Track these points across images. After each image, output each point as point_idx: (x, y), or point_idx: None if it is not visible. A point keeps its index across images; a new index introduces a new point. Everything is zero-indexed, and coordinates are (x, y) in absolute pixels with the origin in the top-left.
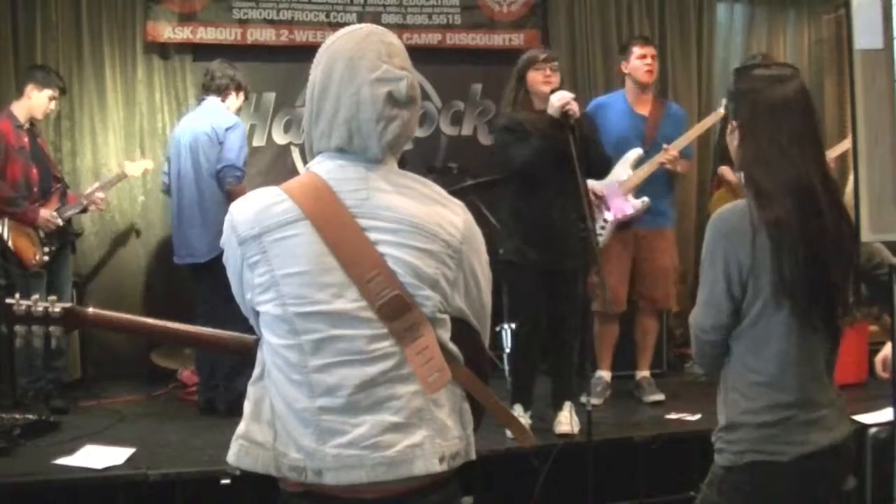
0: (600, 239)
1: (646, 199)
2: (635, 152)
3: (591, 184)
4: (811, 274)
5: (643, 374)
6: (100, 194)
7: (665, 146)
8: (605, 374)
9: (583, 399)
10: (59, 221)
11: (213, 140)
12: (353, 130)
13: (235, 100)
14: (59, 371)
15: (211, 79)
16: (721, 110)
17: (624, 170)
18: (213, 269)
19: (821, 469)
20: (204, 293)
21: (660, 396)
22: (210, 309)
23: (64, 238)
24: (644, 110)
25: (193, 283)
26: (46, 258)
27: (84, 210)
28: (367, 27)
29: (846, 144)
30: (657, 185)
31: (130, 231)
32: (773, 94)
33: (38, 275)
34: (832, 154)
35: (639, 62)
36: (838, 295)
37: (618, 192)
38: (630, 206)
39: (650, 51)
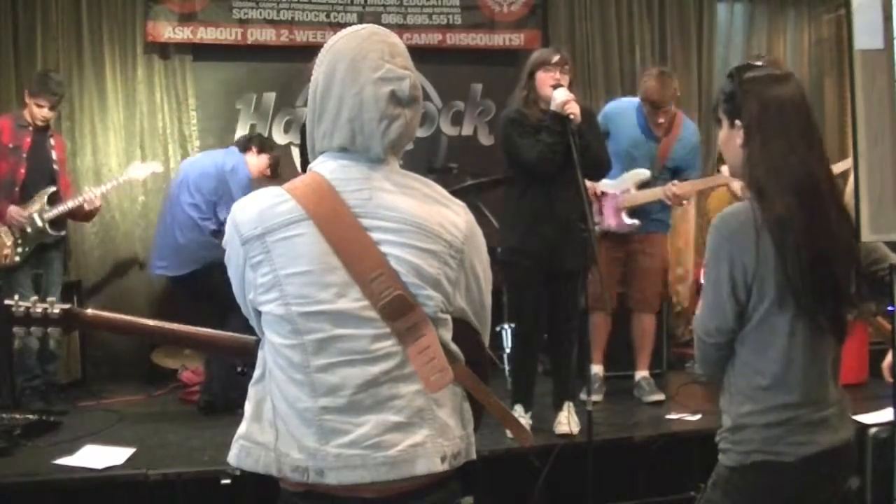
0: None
1: (636, 222)
2: (643, 174)
3: (598, 182)
4: (816, 273)
5: (642, 374)
6: (94, 193)
7: (670, 184)
8: (597, 369)
9: (582, 396)
10: (27, 219)
11: (213, 174)
12: (356, 130)
13: (255, 158)
14: (49, 375)
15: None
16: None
17: (628, 186)
18: (201, 282)
19: (825, 469)
20: (208, 306)
21: (660, 396)
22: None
23: (38, 240)
24: (659, 129)
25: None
26: (18, 258)
27: (78, 213)
28: (369, 27)
29: (847, 164)
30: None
31: (131, 231)
32: (779, 93)
33: (22, 271)
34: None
35: (650, 115)
36: (843, 292)
37: (615, 205)
38: (622, 223)
39: (661, 110)
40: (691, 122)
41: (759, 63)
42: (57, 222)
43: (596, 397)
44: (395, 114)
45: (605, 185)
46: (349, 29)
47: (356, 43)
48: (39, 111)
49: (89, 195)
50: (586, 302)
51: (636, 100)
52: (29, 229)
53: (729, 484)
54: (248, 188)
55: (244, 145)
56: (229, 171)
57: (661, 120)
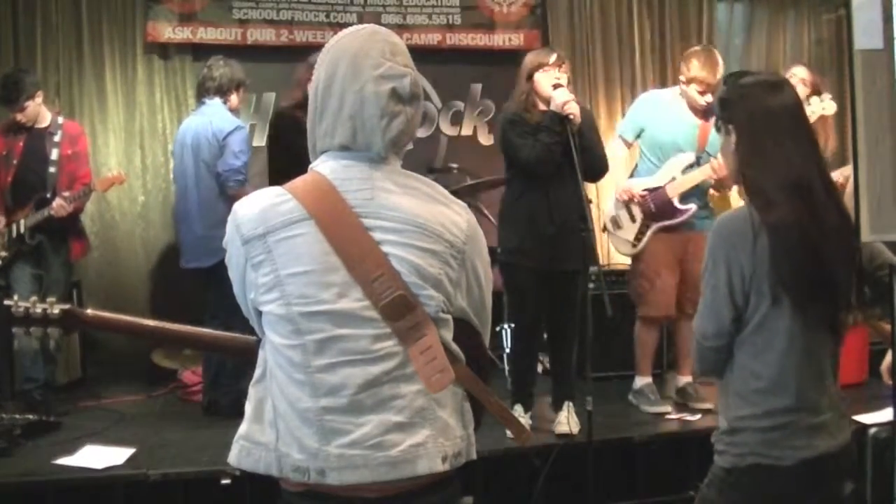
0: (639, 243)
1: (693, 205)
2: (688, 157)
3: (630, 183)
4: (812, 275)
5: (686, 379)
6: (61, 201)
7: (712, 158)
8: (649, 379)
9: (648, 409)
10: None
11: (215, 144)
12: (358, 127)
13: (237, 99)
14: (48, 376)
15: (211, 80)
16: None
17: (672, 173)
18: (219, 274)
19: (822, 474)
20: (210, 297)
21: (708, 405)
22: (216, 312)
23: (16, 247)
24: (698, 116)
25: (201, 288)
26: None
27: (67, 210)
28: (369, 27)
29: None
30: (699, 188)
31: (131, 231)
32: (771, 98)
33: (22, 271)
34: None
35: (697, 95)
36: (841, 294)
37: (665, 196)
38: (676, 211)
39: (711, 90)
40: None
41: (755, 71)
42: (39, 228)
43: (660, 409)
44: (396, 111)
45: (644, 182)
46: (350, 29)
47: (357, 41)
48: (16, 115)
49: (57, 203)
50: (583, 306)
51: (671, 89)
52: (14, 235)
53: (724, 484)
54: (244, 130)
55: (224, 93)
56: (227, 138)
57: (709, 101)
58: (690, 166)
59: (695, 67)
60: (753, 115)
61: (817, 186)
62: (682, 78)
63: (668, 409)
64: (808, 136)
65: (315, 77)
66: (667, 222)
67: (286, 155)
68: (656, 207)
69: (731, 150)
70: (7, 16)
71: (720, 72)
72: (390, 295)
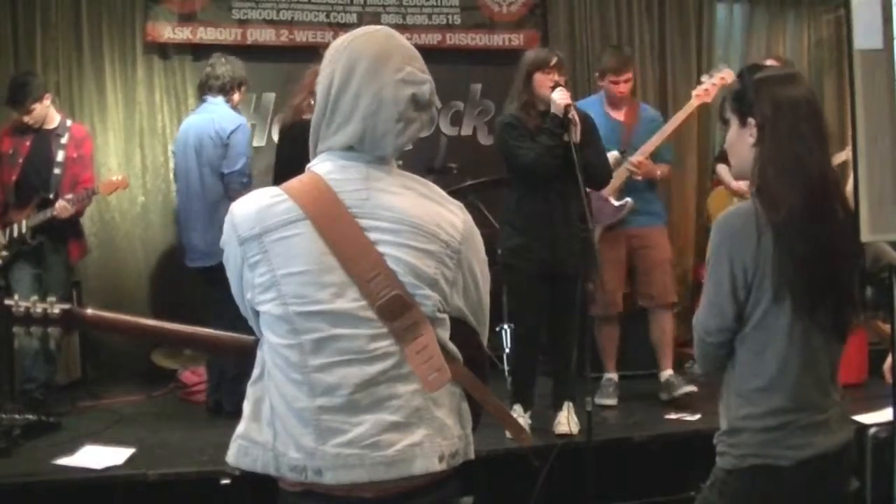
0: None
1: (629, 199)
2: (612, 155)
3: None
4: (816, 273)
5: (668, 372)
6: (64, 203)
7: (630, 158)
8: (612, 375)
9: (598, 401)
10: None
11: (218, 143)
12: (368, 128)
13: (238, 97)
14: (48, 376)
15: (214, 78)
16: (682, 113)
17: None
18: (224, 273)
19: (823, 472)
20: (215, 296)
21: (691, 388)
22: (222, 312)
23: (17, 247)
24: (620, 115)
25: (204, 286)
26: (0, 261)
27: (64, 214)
28: (382, 30)
29: (844, 155)
30: (641, 185)
31: (131, 231)
32: (792, 92)
33: (22, 271)
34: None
35: (612, 86)
36: (846, 293)
37: (600, 197)
38: (612, 208)
39: (623, 77)
40: (647, 105)
41: (769, 63)
42: (40, 229)
43: (609, 401)
44: (413, 117)
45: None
46: (363, 30)
47: (375, 43)
48: (23, 117)
49: (60, 204)
50: (584, 307)
51: (597, 95)
52: (16, 234)
53: (725, 486)
54: (246, 128)
55: (227, 92)
56: (230, 136)
57: (623, 90)
58: (618, 163)
59: (606, 61)
60: (777, 110)
61: (828, 184)
62: (596, 75)
63: (613, 402)
64: (824, 131)
65: (326, 76)
66: (609, 221)
67: (293, 165)
68: (597, 208)
69: (747, 144)
70: (7, 16)
71: (630, 64)
72: (387, 295)
